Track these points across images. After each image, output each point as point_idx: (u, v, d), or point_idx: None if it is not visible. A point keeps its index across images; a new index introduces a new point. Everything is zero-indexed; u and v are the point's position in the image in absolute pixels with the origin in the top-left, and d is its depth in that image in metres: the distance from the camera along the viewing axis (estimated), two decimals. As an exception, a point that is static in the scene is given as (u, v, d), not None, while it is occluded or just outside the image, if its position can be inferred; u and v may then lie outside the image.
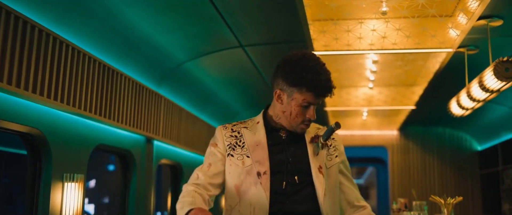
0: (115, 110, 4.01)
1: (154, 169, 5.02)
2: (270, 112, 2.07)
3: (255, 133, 2.02)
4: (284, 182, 1.91)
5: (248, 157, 1.96)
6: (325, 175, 1.96)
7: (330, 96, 1.95)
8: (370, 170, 15.36)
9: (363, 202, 2.13)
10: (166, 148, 5.48)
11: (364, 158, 12.89)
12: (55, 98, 3.19)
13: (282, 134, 2.01)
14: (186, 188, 1.97)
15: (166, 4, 3.58)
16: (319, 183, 1.92)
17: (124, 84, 4.17)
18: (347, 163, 2.16)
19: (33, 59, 2.97)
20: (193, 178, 2.01)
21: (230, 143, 2.01)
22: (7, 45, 2.75)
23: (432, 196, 4.39)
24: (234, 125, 2.08)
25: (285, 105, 1.96)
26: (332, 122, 8.75)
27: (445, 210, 4.15)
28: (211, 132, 6.95)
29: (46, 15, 3.10)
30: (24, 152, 3.33)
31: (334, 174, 2.03)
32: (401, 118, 8.50)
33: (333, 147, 2.07)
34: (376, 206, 14.34)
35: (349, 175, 2.14)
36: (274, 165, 1.94)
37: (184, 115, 5.80)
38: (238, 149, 1.99)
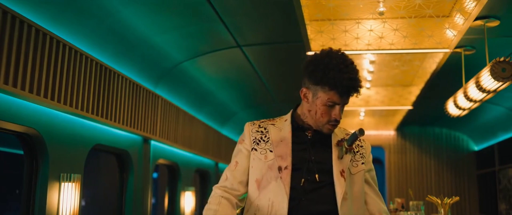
0: (112, 109, 4.00)
1: (151, 169, 5.01)
2: (299, 110, 2.05)
3: (281, 129, 2.01)
4: (303, 179, 1.89)
5: (271, 151, 1.95)
6: (348, 180, 1.93)
7: (357, 96, 1.92)
8: (367, 170, 15.35)
9: None
10: (163, 148, 5.47)
11: (361, 158, 12.88)
12: (52, 98, 3.18)
13: (308, 134, 2.00)
14: (214, 192, 1.99)
15: (163, 4, 3.57)
16: (340, 185, 1.89)
17: (121, 84, 4.16)
18: (373, 173, 2.12)
19: (30, 58, 2.96)
20: (222, 179, 2.02)
21: (255, 138, 2.01)
22: (4, 44, 2.75)
23: (429, 196, 4.40)
24: (262, 122, 2.09)
25: (311, 104, 1.94)
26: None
27: (442, 210, 4.16)
28: (208, 131, 6.95)
29: (43, 15, 3.10)
30: (17, 151, 3.32)
31: (359, 182, 1.99)
32: (398, 118, 8.51)
33: (359, 153, 2.04)
34: (373, 206, 14.32)
35: (375, 186, 2.10)
36: (296, 161, 1.92)
37: (181, 115, 5.79)
38: (262, 144, 1.99)
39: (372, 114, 8.31)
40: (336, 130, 2.04)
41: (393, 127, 9.37)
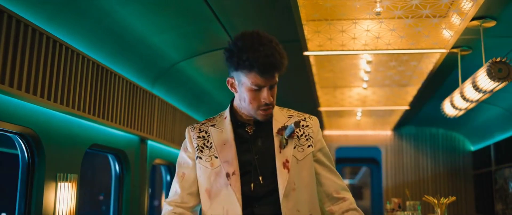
0: (109, 109, 4.00)
1: (148, 169, 5.01)
2: (235, 103, 1.95)
3: (222, 130, 1.90)
4: (252, 184, 1.80)
5: (216, 157, 1.84)
6: (295, 169, 1.81)
7: (280, 72, 1.78)
8: (364, 170, 15.41)
9: (343, 193, 1.94)
10: (160, 147, 5.47)
11: (358, 158, 12.93)
12: (49, 98, 3.17)
13: (248, 130, 1.89)
14: (165, 208, 1.90)
15: (160, 3, 3.57)
16: (282, 181, 1.77)
17: (118, 84, 4.16)
18: (326, 150, 1.98)
19: (27, 58, 2.95)
20: (171, 192, 1.93)
21: (198, 145, 1.91)
22: (0, 44, 2.74)
23: (425, 196, 4.41)
24: (202, 124, 1.98)
25: (239, 93, 1.84)
26: (326, 122, 8.76)
27: (439, 210, 4.17)
28: (205, 132, 6.94)
29: (40, 15, 3.09)
30: (13, 151, 3.31)
31: (309, 166, 1.87)
32: (395, 118, 8.53)
33: (305, 136, 1.90)
34: (369, 206, 14.38)
35: (329, 163, 1.97)
36: (242, 165, 1.82)
37: (178, 115, 5.79)
38: (206, 150, 1.88)
39: (369, 114, 8.33)
40: (277, 115, 1.92)
41: (390, 127, 9.38)
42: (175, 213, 1.87)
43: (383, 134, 9.63)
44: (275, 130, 1.87)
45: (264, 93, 1.78)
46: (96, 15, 3.44)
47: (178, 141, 5.74)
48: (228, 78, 1.88)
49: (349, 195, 1.96)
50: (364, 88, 6.47)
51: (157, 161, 5.48)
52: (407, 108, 7.42)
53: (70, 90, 3.41)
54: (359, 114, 8.27)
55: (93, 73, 3.75)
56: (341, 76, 5.94)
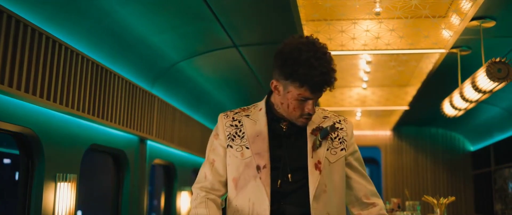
0: (109, 109, 4.00)
1: (147, 169, 5.01)
2: (273, 99, 1.91)
3: (256, 122, 1.88)
4: (279, 180, 1.78)
5: (247, 148, 1.83)
6: (326, 171, 1.80)
7: (330, 90, 1.80)
8: (363, 170, 15.38)
9: (373, 199, 1.93)
10: (160, 148, 5.46)
11: (357, 158, 12.90)
12: (48, 98, 3.17)
13: (283, 126, 1.87)
14: (197, 193, 1.88)
15: (160, 3, 3.57)
16: (313, 181, 1.76)
17: (118, 84, 4.16)
18: (358, 155, 1.97)
19: (26, 58, 2.95)
20: (200, 177, 1.91)
21: (230, 133, 1.88)
22: (0, 44, 2.74)
23: (425, 196, 4.41)
24: (236, 113, 1.95)
25: (282, 97, 1.82)
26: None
27: (438, 210, 4.17)
28: (204, 131, 6.95)
29: (39, 14, 3.09)
30: (13, 151, 3.31)
31: (340, 169, 1.87)
32: (395, 118, 8.53)
33: (338, 139, 1.89)
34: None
35: (361, 168, 1.96)
36: (273, 159, 1.81)
37: (178, 115, 5.79)
38: (238, 140, 1.86)
39: (369, 114, 8.33)
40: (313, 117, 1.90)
41: (390, 127, 9.39)
42: (208, 199, 1.85)
43: (382, 134, 9.63)
44: (309, 130, 1.86)
45: (309, 105, 1.79)
46: (95, 15, 3.44)
47: (177, 141, 5.74)
48: (273, 81, 1.83)
49: (379, 201, 1.95)
50: (364, 88, 6.47)
51: (157, 161, 5.48)
52: (406, 108, 7.42)
53: (69, 90, 3.41)
54: (358, 114, 8.27)
55: (93, 73, 3.75)
56: (340, 77, 5.94)
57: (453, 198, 4.30)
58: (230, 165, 1.86)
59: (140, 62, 4.47)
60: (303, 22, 3.91)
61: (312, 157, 1.80)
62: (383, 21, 4.03)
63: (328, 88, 1.78)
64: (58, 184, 3.39)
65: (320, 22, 4.09)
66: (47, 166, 3.30)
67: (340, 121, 1.96)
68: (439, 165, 9.34)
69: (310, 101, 1.79)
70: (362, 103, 7.49)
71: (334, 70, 1.77)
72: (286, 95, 1.80)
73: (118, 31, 3.77)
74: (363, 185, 1.94)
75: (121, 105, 4.22)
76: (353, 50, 4.64)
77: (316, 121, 1.90)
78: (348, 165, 1.93)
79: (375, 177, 13.09)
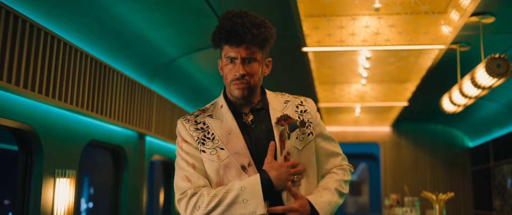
0: (107, 105, 3.99)
1: (146, 165, 5.01)
2: (227, 91, 1.83)
3: (222, 120, 1.78)
4: None
5: (222, 149, 1.72)
6: (295, 158, 1.74)
7: (254, 45, 1.71)
8: (362, 166, 15.42)
9: (334, 170, 1.89)
10: (159, 144, 5.47)
11: (356, 154, 12.93)
12: (47, 94, 3.17)
13: (246, 119, 1.78)
14: (187, 200, 1.69)
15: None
16: None
17: (116, 80, 4.15)
18: (325, 134, 1.90)
19: (25, 54, 2.95)
20: (182, 186, 1.73)
21: (198, 137, 1.76)
22: (-2, 40, 2.73)
23: (424, 192, 4.42)
24: (197, 115, 1.83)
25: (222, 72, 1.79)
26: (325, 118, 8.76)
27: (437, 206, 4.18)
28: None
29: (38, 10, 3.08)
30: (11, 147, 3.30)
31: (310, 153, 1.81)
32: (394, 114, 8.53)
33: (306, 123, 1.82)
34: (368, 202, 14.41)
35: (328, 144, 1.90)
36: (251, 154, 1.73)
37: (177, 111, 5.79)
38: (209, 143, 1.74)
39: (368, 110, 8.33)
40: (272, 102, 1.84)
41: (389, 123, 9.39)
42: (203, 187, 1.71)
43: (381, 130, 9.63)
44: (273, 119, 1.78)
45: (237, 65, 1.71)
46: (94, 11, 3.43)
47: (176, 137, 5.74)
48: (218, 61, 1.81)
49: (339, 171, 1.88)
50: (363, 84, 6.47)
51: (156, 156, 5.48)
52: (405, 104, 7.43)
53: (68, 86, 3.41)
54: (357, 110, 8.28)
55: (91, 69, 3.74)
56: (340, 73, 5.94)
57: (452, 194, 4.30)
58: (208, 170, 1.74)
59: (139, 58, 4.47)
60: (302, 18, 3.90)
61: (281, 151, 1.73)
62: (383, 17, 4.02)
63: (247, 42, 1.70)
64: (57, 180, 3.39)
65: (319, 18, 4.09)
66: (46, 162, 3.30)
67: (301, 102, 1.89)
68: (438, 161, 9.35)
69: (237, 62, 1.71)
70: (361, 99, 7.49)
71: (253, 24, 1.71)
72: (222, 68, 1.77)
73: (117, 27, 3.76)
74: (331, 163, 1.90)
75: (120, 101, 4.22)
76: (352, 46, 4.64)
77: (278, 107, 1.83)
78: (317, 146, 1.87)
79: (374, 173, 13.10)
